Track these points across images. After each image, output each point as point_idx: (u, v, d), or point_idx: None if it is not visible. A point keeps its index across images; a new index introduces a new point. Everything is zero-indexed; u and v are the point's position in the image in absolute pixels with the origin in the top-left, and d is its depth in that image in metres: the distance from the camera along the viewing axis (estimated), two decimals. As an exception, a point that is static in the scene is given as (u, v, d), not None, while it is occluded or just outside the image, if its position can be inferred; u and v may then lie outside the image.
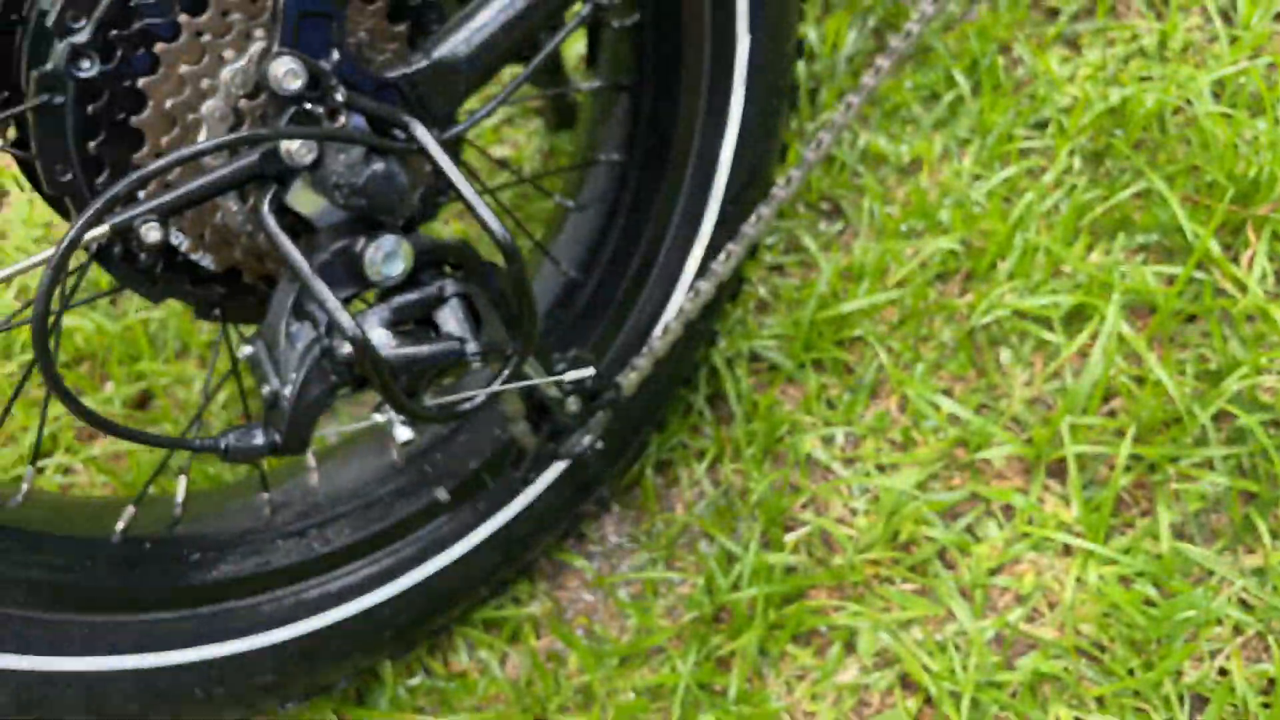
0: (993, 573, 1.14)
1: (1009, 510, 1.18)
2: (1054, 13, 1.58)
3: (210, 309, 0.82)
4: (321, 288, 0.68)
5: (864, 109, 1.52)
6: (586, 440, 1.03)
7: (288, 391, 0.70)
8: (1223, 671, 1.04)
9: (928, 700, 1.08)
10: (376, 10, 0.77)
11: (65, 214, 0.80)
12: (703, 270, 1.09)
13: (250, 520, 0.98)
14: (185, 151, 0.61)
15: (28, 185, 1.52)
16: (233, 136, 0.63)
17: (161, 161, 0.61)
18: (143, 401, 1.37)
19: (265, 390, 0.71)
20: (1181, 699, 1.03)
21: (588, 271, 1.10)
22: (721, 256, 1.05)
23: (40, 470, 1.29)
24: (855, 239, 1.40)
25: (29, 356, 1.39)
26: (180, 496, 0.96)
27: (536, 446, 0.99)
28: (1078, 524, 1.14)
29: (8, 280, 0.67)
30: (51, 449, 1.32)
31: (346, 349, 0.71)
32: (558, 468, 1.08)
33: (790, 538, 1.18)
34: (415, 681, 1.13)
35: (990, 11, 1.58)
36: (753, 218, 1.06)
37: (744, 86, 1.05)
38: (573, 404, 0.97)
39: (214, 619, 0.93)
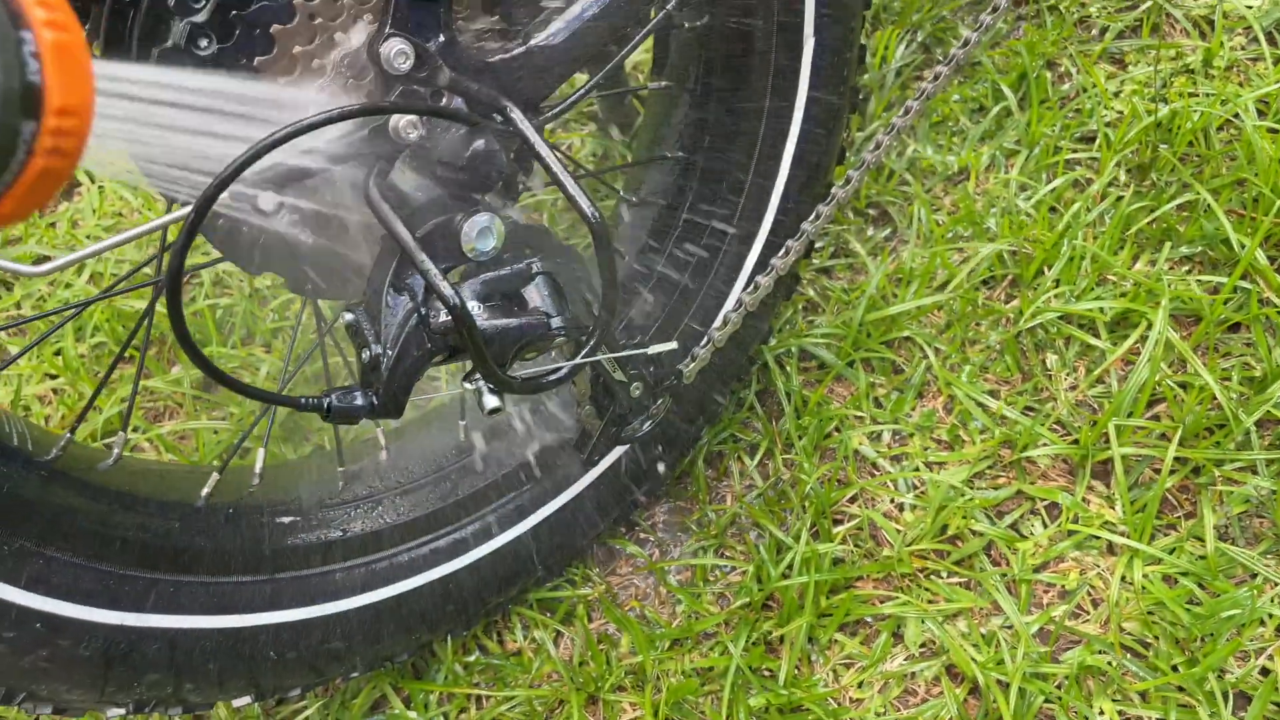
0: (1038, 569, 1.16)
1: (1054, 509, 1.20)
2: (1100, 30, 1.61)
3: (304, 283, 0.86)
4: (424, 259, 0.71)
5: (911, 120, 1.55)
6: (647, 425, 1.06)
7: (386, 357, 0.74)
8: (1265, 670, 1.06)
9: (973, 691, 1.10)
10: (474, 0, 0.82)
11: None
12: (762, 265, 1.12)
13: (325, 492, 1.02)
14: (310, 119, 0.65)
15: (99, 177, 1.57)
16: (357, 105, 0.67)
17: (286, 128, 0.65)
18: (208, 384, 1.41)
19: (365, 355, 0.74)
20: (1225, 696, 1.04)
21: (650, 262, 1.13)
22: (781, 252, 1.08)
23: (76, 440, 1.33)
24: (902, 245, 1.43)
25: (99, 339, 1.44)
26: (259, 466, 1.00)
27: (601, 430, 1.02)
28: (1122, 523, 1.17)
29: (131, 241, 0.71)
30: (120, 427, 1.36)
31: (443, 318, 0.74)
32: (617, 452, 1.11)
33: (838, 530, 1.21)
34: (471, 659, 1.16)
35: (1036, 28, 1.62)
36: (812, 216, 1.09)
37: (808, 88, 1.08)
38: (636, 389, 1.01)
39: (289, 585, 0.96)
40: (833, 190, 1.10)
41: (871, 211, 1.49)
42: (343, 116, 0.65)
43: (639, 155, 1.22)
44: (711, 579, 1.21)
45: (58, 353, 1.44)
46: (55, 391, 1.43)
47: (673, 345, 0.87)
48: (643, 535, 1.26)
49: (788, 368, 1.32)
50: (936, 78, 1.12)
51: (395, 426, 1.12)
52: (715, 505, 1.27)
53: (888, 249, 1.42)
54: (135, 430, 1.35)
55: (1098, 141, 1.44)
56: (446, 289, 0.71)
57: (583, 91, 0.81)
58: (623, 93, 1.30)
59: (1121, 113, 1.48)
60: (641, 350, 0.86)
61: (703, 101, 1.12)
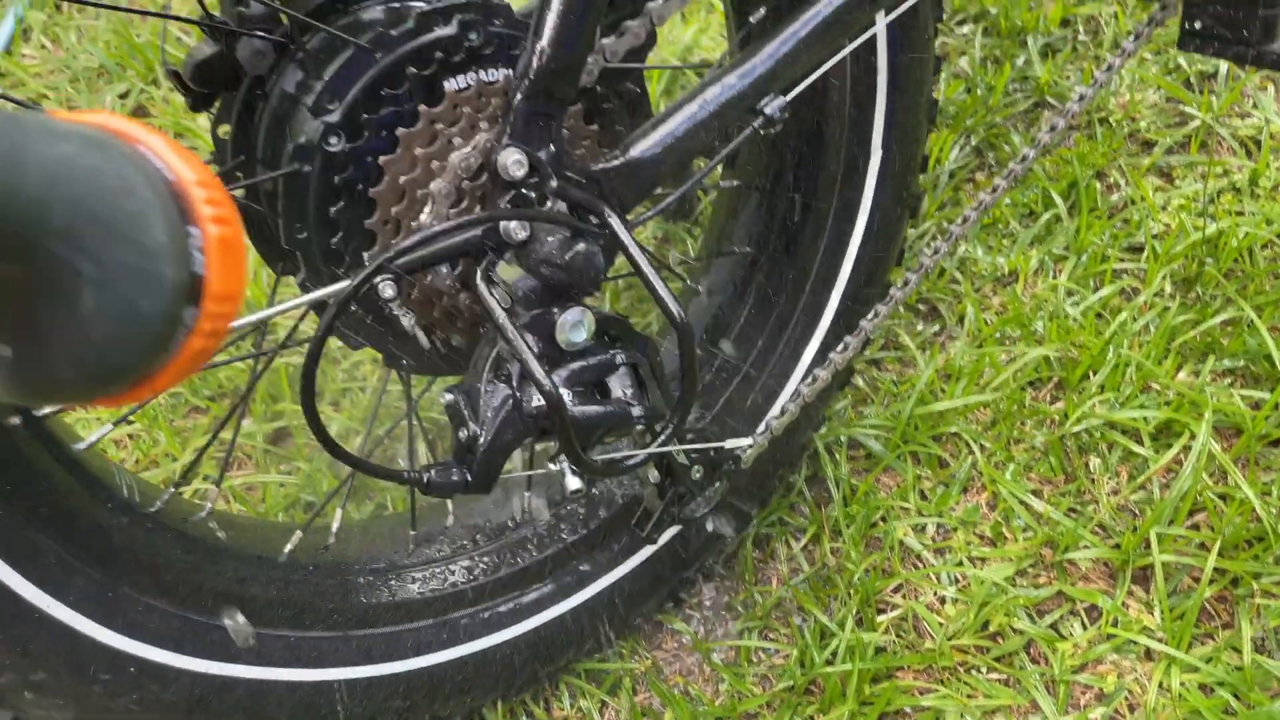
0: (1076, 670, 1.19)
1: (1093, 611, 1.23)
2: (1149, 145, 1.67)
3: (399, 360, 0.92)
4: (524, 348, 0.77)
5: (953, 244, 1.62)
6: (703, 508, 1.10)
7: (482, 437, 0.79)
8: (1300, 786, 1.08)
9: (1009, 787, 1.13)
10: (575, 112, 0.88)
11: (285, 269, 0.92)
12: (820, 358, 1.18)
13: (396, 554, 1.07)
14: (464, 219, 0.72)
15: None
16: (509, 211, 0.75)
17: (448, 224, 0.72)
18: (277, 439, 1.48)
19: (462, 434, 0.80)
20: (1259, 809, 1.06)
21: (713, 350, 1.19)
22: (839, 347, 1.13)
23: (181, 492, 1.39)
24: (951, 341, 1.48)
25: (176, 390, 1.51)
26: (335, 526, 1.05)
27: (662, 509, 1.07)
28: (1160, 630, 1.19)
29: (287, 311, 0.77)
30: (192, 477, 1.43)
31: (536, 403, 0.80)
32: (672, 531, 1.15)
33: (882, 619, 1.24)
34: (519, 723, 1.20)
35: (1087, 139, 1.68)
36: (870, 314, 1.14)
37: (873, 195, 1.14)
38: (697, 471, 1.06)
39: (359, 641, 1.01)
40: (891, 291, 1.15)
41: (922, 307, 1.54)
42: (479, 221, 0.71)
43: (706, 246, 1.29)
44: (755, 660, 1.25)
45: (136, 400, 1.51)
46: (131, 437, 1.49)
47: (749, 441, 0.92)
48: (689, 613, 1.30)
49: (837, 456, 1.36)
50: (994, 190, 1.18)
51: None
52: (761, 587, 1.30)
53: (937, 344, 1.47)
54: (205, 479, 1.41)
55: (1145, 253, 1.50)
56: (544, 378, 0.76)
57: (670, 200, 0.88)
58: (694, 188, 1.36)
59: (1169, 226, 1.53)
60: (718, 444, 0.91)
61: (771, 201, 1.19)
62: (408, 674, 1.03)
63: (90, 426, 1.46)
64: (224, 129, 0.90)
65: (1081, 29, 1.85)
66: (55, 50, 2.15)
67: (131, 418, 1.48)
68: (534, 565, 1.10)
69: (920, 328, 1.51)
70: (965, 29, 1.87)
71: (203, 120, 1.90)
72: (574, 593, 1.12)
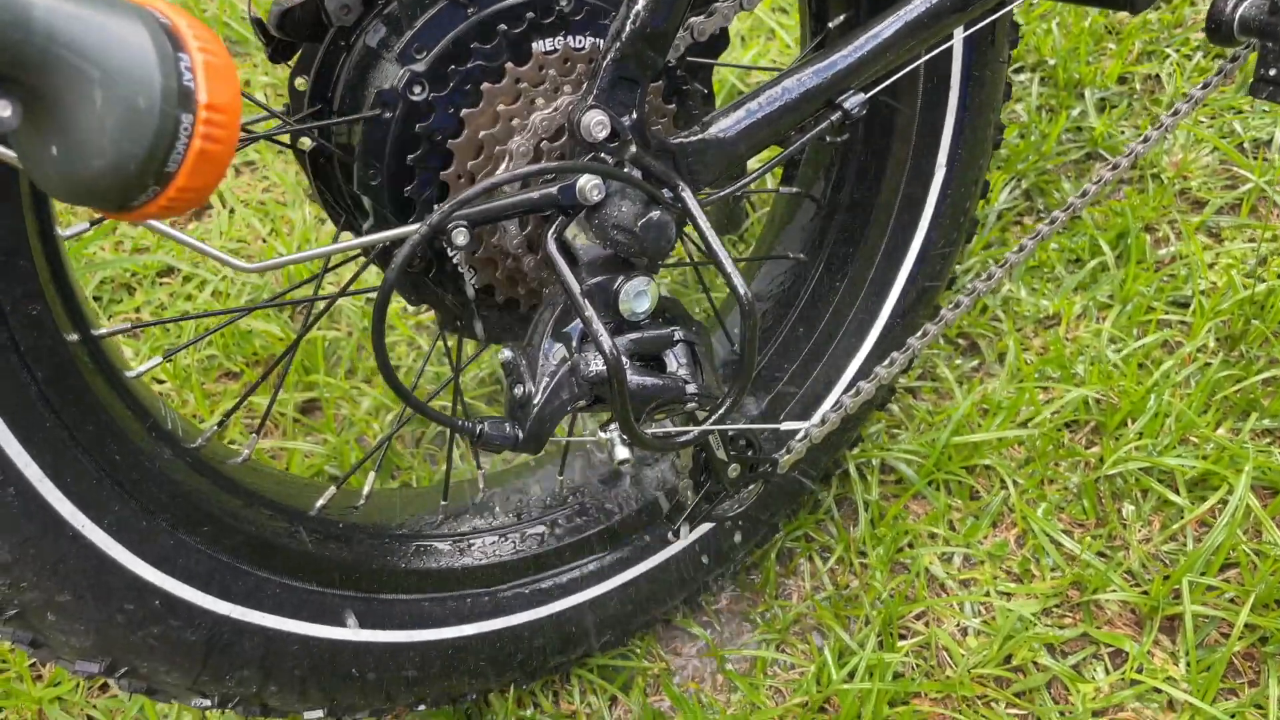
0: (1097, 714, 1.16)
1: (1117, 656, 1.21)
2: (1199, 204, 1.67)
3: (455, 320, 0.91)
4: (589, 311, 0.77)
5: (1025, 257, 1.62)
6: (736, 508, 1.09)
7: (537, 396, 0.78)
8: None
9: (1021, 825, 1.10)
10: (655, 90, 0.89)
11: (347, 224, 0.92)
12: (865, 371, 1.17)
13: (425, 524, 1.06)
14: (535, 167, 0.72)
15: (230, 199, 1.67)
16: (592, 165, 0.75)
17: (519, 170, 0.72)
18: (306, 410, 1.47)
19: (518, 391, 0.79)
20: None
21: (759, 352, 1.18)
22: (885, 362, 1.13)
23: (221, 433, 1.39)
24: (989, 377, 1.47)
25: (211, 352, 1.51)
26: (367, 489, 1.05)
27: (694, 504, 1.06)
28: (1185, 680, 1.17)
29: (346, 250, 0.77)
30: (231, 423, 1.43)
31: (594, 369, 0.79)
32: (700, 530, 1.14)
33: (903, 644, 1.22)
34: (526, 713, 1.18)
35: (1138, 193, 1.69)
36: (919, 333, 1.14)
37: (932, 213, 1.14)
38: (734, 470, 1.05)
39: (379, 606, 0.99)
40: (941, 311, 1.15)
41: (961, 342, 1.53)
42: (561, 170, 0.71)
43: (756, 252, 1.29)
44: (770, 673, 1.23)
45: (168, 360, 1.51)
46: (162, 396, 1.49)
47: (805, 425, 0.91)
48: (705, 619, 1.28)
49: (869, 478, 1.35)
50: (1053, 221, 1.18)
51: (488, 473, 1.16)
52: (781, 601, 1.28)
53: (976, 379, 1.47)
54: (232, 444, 1.41)
55: (1192, 307, 1.49)
56: (607, 341, 0.76)
57: (746, 182, 0.88)
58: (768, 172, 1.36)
59: (1215, 284, 1.53)
60: (774, 425, 0.91)
61: (828, 211, 1.19)
62: (423, 644, 1.02)
63: (141, 360, 1.46)
64: (301, 81, 0.90)
65: (1139, 86, 1.86)
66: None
67: (163, 375, 1.48)
68: (560, 550, 1.09)
69: (959, 361, 1.50)
70: (1023, 76, 1.88)
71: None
72: (597, 583, 1.11)
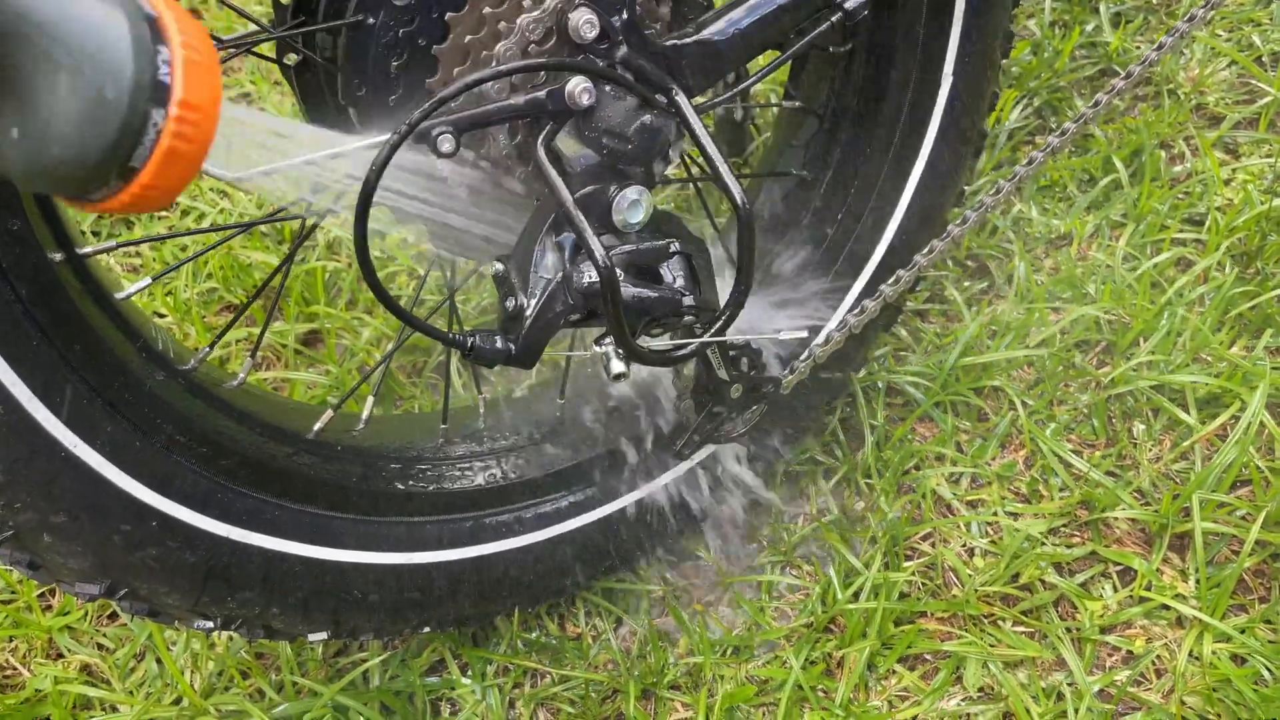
0: (1104, 630, 1.16)
1: (1126, 574, 1.20)
2: (1216, 119, 1.63)
3: (447, 239, 0.89)
4: (582, 220, 0.75)
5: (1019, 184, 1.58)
6: (739, 430, 1.08)
7: (529, 308, 0.77)
8: (1329, 761, 1.05)
9: (1027, 741, 1.10)
10: (648, -9, 0.86)
11: (329, 127, 0.90)
12: (871, 289, 1.15)
13: (425, 448, 1.05)
14: (520, 63, 0.69)
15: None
16: (578, 62, 0.72)
17: (500, 68, 0.69)
18: (307, 341, 1.46)
19: (509, 304, 0.78)
20: (1285, 781, 1.03)
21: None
22: (891, 279, 1.11)
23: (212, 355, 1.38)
24: (998, 299, 1.45)
25: (211, 285, 1.49)
26: (366, 413, 1.04)
27: (696, 425, 1.04)
28: (1194, 597, 1.16)
29: (335, 156, 0.75)
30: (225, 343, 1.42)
31: (586, 280, 0.78)
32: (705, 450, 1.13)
33: (908, 564, 1.21)
34: (532, 635, 1.18)
35: (1153, 109, 1.64)
36: (926, 249, 1.11)
37: (938, 125, 1.11)
38: (737, 390, 1.03)
39: (384, 528, 0.99)
40: (948, 228, 1.12)
41: (970, 263, 1.50)
42: (543, 67, 0.69)
43: (761, 169, 1.26)
44: (776, 595, 1.22)
45: (169, 293, 1.50)
46: (163, 328, 1.48)
47: (804, 333, 0.90)
48: (711, 542, 1.27)
49: (874, 401, 1.33)
50: (1064, 134, 1.15)
51: (489, 398, 1.15)
52: (787, 524, 1.28)
53: (985, 301, 1.44)
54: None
55: (1207, 224, 1.46)
56: (601, 251, 0.74)
57: (744, 87, 0.85)
58: (763, 78, 1.33)
59: (1231, 200, 1.49)
60: (774, 334, 0.89)
61: (832, 125, 1.16)
62: (426, 566, 1.01)
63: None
64: (285, -10, 0.88)
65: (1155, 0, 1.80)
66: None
67: (164, 309, 1.47)
68: (561, 473, 1.08)
69: (968, 283, 1.47)
70: (1035, -9, 1.82)
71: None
72: (597, 506, 1.10)
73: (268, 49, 0.90)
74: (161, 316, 1.49)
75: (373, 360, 1.41)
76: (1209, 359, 1.33)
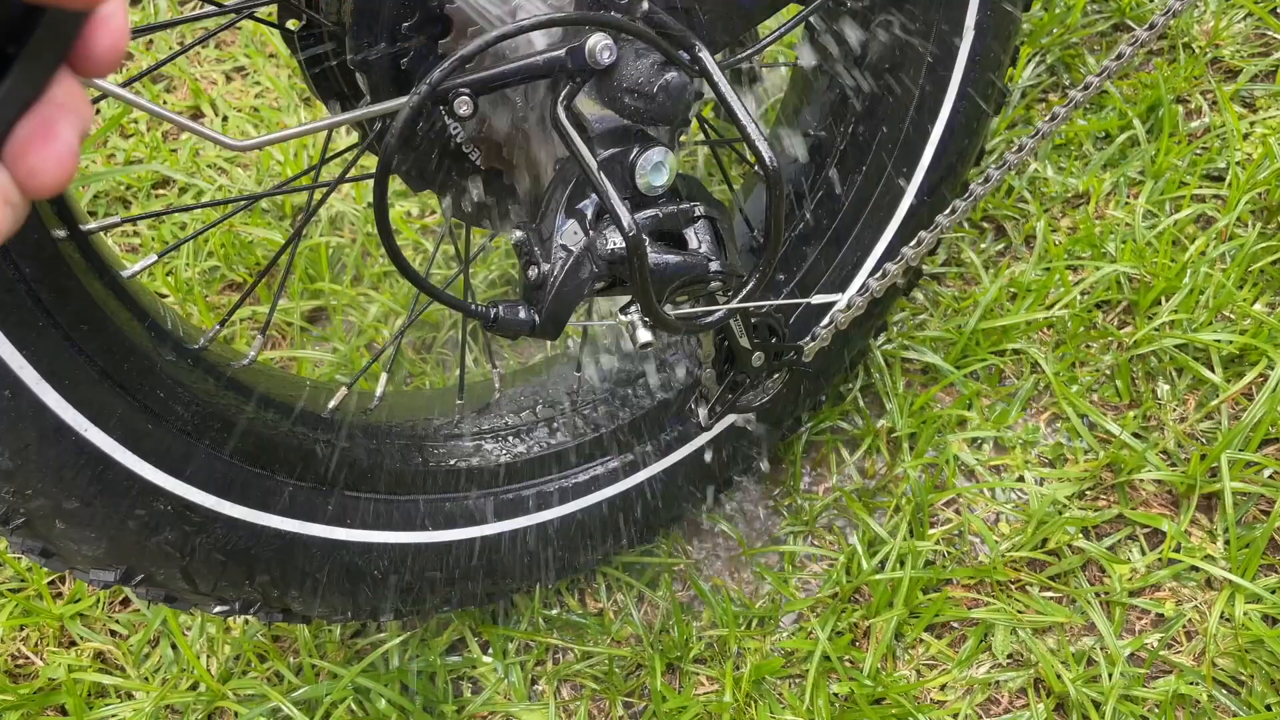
0: (1134, 594, 1.14)
1: (1153, 537, 1.18)
2: (1232, 73, 1.60)
3: (461, 205, 0.87)
4: (606, 184, 0.72)
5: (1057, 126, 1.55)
6: (761, 398, 1.05)
7: (552, 276, 0.74)
8: (1365, 722, 1.03)
9: (1058, 707, 1.08)
10: (665, -55, 0.82)
11: (341, 101, 0.87)
12: (891, 253, 1.12)
13: (442, 423, 1.02)
14: (541, 17, 0.66)
15: (222, 106, 1.61)
16: (599, 15, 0.69)
17: (523, 21, 0.66)
18: (314, 319, 1.43)
19: (533, 273, 0.75)
20: (1321, 741, 1.02)
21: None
22: (913, 242, 1.08)
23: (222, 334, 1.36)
24: (1016, 260, 1.42)
25: (213, 263, 1.46)
26: (380, 390, 1.01)
27: (718, 395, 1.02)
28: (1224, 558, 1.15)
29: (338, 125, 0.72)
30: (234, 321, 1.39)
31: (610, 246, 0.75)
32: (726, 422, 1.11)
33: (933, 532, 1.19)
34: (553, 612, 1.16)
35: (1168, 64, 1.61)
36: (948, 210, 1.08)
37: (959, 82, 1.08)
38: (758, 359, 1.01)
39: (401, 507, 0.97)
40: (970, 187, 1.10)
41: (987, 225, 1.48)
42: (552, 23, 0.66)
43: (776, 127, 1.23)
44: (799, 566, 1.20)
45: (170, 272, 1.47)
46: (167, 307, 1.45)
47: (838, 297, 0.87)
48: (732, 514, 1.25)
49: (894, 368, 1.31)
50: (1087, 88, 1.12)
51: (503, 374, 1.13)
52: (808, 494, 1.26)
53: (1004, 263, 1.41)
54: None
55: (1227, 179, 1.43)
56: (627, 216, 0.71)
57: (767, 41, 0.82)
58: (788, 33, 1.29)
59: (1251, 155, 1.47)
60: (805, 300, 0.86)
61: (851, 83, 1.12)
62: (445, 545, 0.99)
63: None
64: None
65: (1168, -49, 1.76)
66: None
67: (166, 289, 1.44)
68: (580, 448, 1.06)
69: (985, 246, 1.45)
70: (1045, -55, 1.78)
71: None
72: (620, 480, 1.08)
73: (268, 15, 0.86)
74: (164, 296, 1.46)
75: (381, 338, 1.38)
76: (1233, 316, 1.31)
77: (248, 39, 1.79)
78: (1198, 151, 1.48)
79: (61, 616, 1.18)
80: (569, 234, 0.76)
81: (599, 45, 0.72)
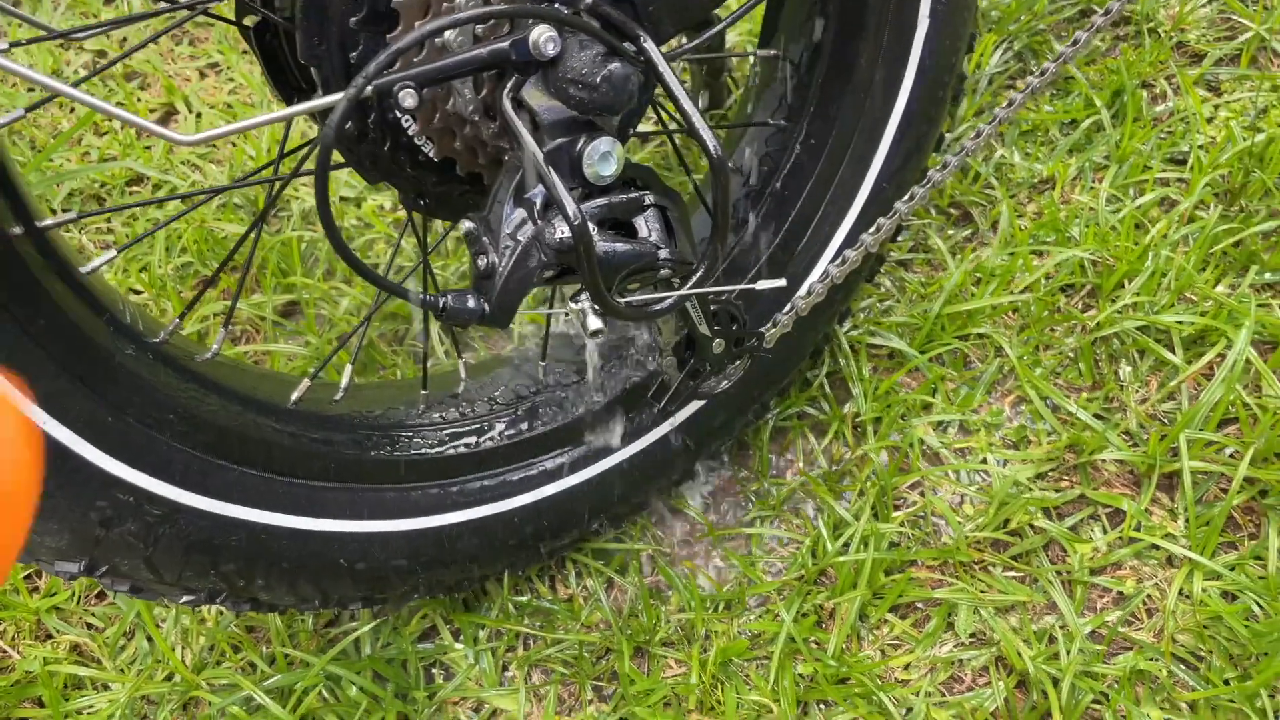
0: (1095, 572, 1.16)
1: (1115, 517, 1.20)
2: (1197, 57, 1.61)
3: (418, 198, 0.88)
4: (551, 174, 0.73)
5: (1000, 127, 1.56)
6: (723, 384, 1.07)
7: (501, 266, 0.75)
8: (1320, 694, 1.05)
9: (1020, 684, 1.10)
10: (613, -63, 0.83)
11: (299, 94, 0.88)
12: (852, 239, 1.13)
13: (404, 415, 1.04)
14: (477, 10, 0.67)
15: (196, 103, 1.61)
16: (539, 8, 0.70)
17: (460, 15, 0.67)
18: (286, 313, 1.44)
19: (482, 262, 0.76)
20: (1277, 714, 1.04)
21: (740, 226, 1.15)
22: (872, 229, 1.09)
23: (183, 327, 1.36)
24: (982, 246, 1.43)
25: (186, 259, 1.47)
26: (345, 381, 1.02)
27: (678, 381, 1.03)
28: (1184, 537, 1.16)
29: (284, 119, 0.73)
30: (195, 315, 1.40)
31: (558, 235, 0.76)
32: (690, 408, 1.12)
33: (897, 514, 1.21)
34: (523, 599, 1.18)
35: (1134, 49, 1.62)
36: (907, 196, 1.10)
37: (916, 68, 1.09)
38: (718, 345, 1.02)
39: (367, 496, 0.98)
40: (929, 173, 1.11)
41: (953, 211, 1.49)
42: (501, 14, 0.67)
43: (735, 119, 1.24)
44: (766, 549, 1.22)
45: (143, 269, 1.48)
46: (140, 306, 1.46)
47: (782, 282, 0.88)
48: (700, 499, 1.27)
49: (859, 352, 1.33)
50: (1043, 74, 1.13)
51: (473, 364, 1.14)
52: (775, 479, 1.27)
53: (969, 249, 1.43)
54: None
55: (1189, 163, 1.44)
56: (572, 205, 0.72)
57: (713, 32, 0.83)
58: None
59: (1214, 139, 1.48)
60: (750, 286, 0.88)
61: (809, 73, 1.14)
62: (413, 533, 1.01)
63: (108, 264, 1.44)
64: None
65: (1134, -64, 1.77)
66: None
67: (139, 285, 1.45)
68: (548, 435, 1.07)
69: (951, 232, 1.46)
70: (1013, -68, 1.79)
71: None
72: (585, 467, 1.09)
73: (227, 11, 0.87)
74: (137, 293, 1.47)
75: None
76: (1194, 298, 1.33)
77: (221, 35, 1.79)
78: (1162, 135, 1.50)
79: (38, 610, 1.19)
80: (517, 223, 0.77)
81: (543, 37, 0.73)
